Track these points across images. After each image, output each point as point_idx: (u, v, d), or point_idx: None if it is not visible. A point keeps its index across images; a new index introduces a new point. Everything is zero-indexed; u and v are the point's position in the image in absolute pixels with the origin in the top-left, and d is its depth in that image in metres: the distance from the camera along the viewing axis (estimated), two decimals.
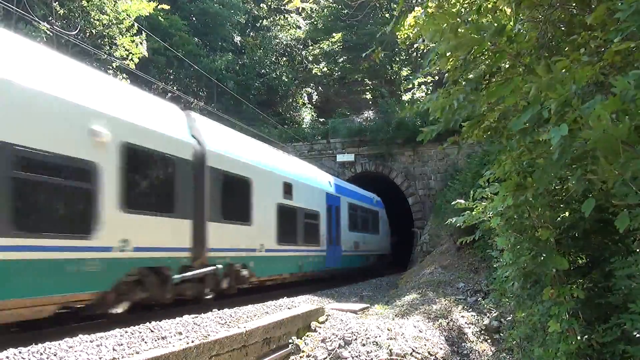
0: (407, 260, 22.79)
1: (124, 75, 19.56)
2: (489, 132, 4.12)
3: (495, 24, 3.24)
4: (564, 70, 2.76)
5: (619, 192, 2.60)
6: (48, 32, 16.75)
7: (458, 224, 5.41)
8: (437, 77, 28.95)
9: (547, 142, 2.96)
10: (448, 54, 3.70)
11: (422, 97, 26.68)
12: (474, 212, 5.06)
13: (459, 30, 3.28)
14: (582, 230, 4.37)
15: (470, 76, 3.99)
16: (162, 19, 22.96)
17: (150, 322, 9.62)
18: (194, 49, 25.25)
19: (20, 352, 6.74)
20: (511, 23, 3.69)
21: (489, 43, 3.32)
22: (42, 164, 7.00)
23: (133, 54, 19.16)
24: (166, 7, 22.45)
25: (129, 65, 18.48)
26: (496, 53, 3.45)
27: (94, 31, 18.31)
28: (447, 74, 4.20)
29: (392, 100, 28.83)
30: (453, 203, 5.80)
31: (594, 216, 4.15)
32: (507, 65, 3.71)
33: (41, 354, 6.81)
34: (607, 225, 4.28)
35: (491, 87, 3.46)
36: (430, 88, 28.73)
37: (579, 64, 2.87)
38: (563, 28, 4.07)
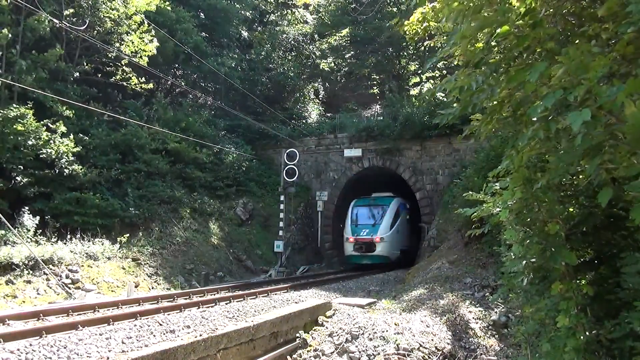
0: (415, 255, 22.79)
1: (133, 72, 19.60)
2: (508, 119, 4.05)
3: (523, 7, 3.19)
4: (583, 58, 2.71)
5: (635, 184, 2.55)
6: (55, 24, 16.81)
7: (467, 216, 5.37)
8: (445, 72, 28.76)
9: (566, 130, 2.90)
10: (469, 34, 3.64)
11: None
12: (484, 206, 5.01)
13: (483, 10, 3.23)
14: (592, 226, 4.33)
15: (491, 60, 3.93)
16: (170, 9, 22.83)
17: (158, 316, 9.72)
18: (200, 40, 25.18)
19: (30, 345, 6.81)
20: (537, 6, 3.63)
21: (512, 27, 3.28)
22: None
23: (143, 51, 19.16)
24: None
25: (139, 62, 18.49)
26: (519, 37, 3.39)
27: (101, 29, 18.29)
28: (463, 58, 4.14)
29: (399, 95, 28.67)
30: (464, 195, 5.75)
31: (604, 211, 4.11)
32: (526, 51, 3.64)
33: (51, 346, 6.88)
34: (617, 220, 4.24)
35: (511, 71, 3.41)
36: (439, 81, 28.54)
37: (591, 55, 2.83)
38: (573, 21, 4.01)
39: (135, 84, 19.78)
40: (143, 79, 20.08)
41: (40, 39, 17.01)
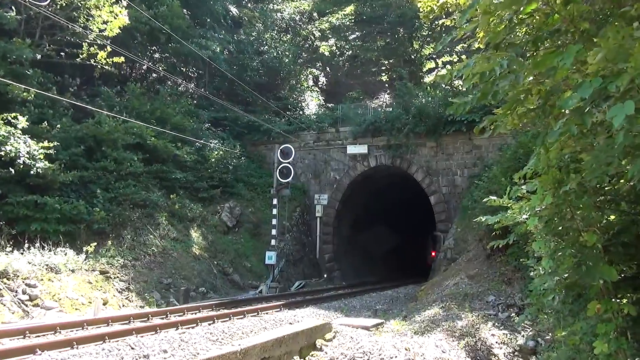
0: (428, 268, 22.86)
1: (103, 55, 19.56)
2: (532, 113, 4.03)
3: None
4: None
5: None
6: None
7: (489, 225, 5.36)
8: (464, 57, 28.74)
9: (603, 125, 2.87)
10: (494, 9, 3.62)
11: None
12: (509, 213, 4.99)
13: None
14: (634, 236, 4.32)
15: (516, 41, 3.90)
16: None
17: (130, 338, 9.70)
18: (184, 23, 25.20)
19: None
20: None
21: (541, 2, 3.26)
22: None
23: (112, 24, 19.10)
24: None
25: (108, 35, 18.44)
26: (548, 15, 3.37)
27: (63, 3, 18.26)
28: (483, 39, 4.12)
29: (411, 83, 28.68)
30: (485, 200, 5.73)
31: None
32: (557, 32, 3.62)
33: None
34: None
35: (539, 55, 3.38)
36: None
37: (632, 40, 2.81)
38: None
39: (103, 59, 19.59)
40: (113, 58, 19.94)
41: None
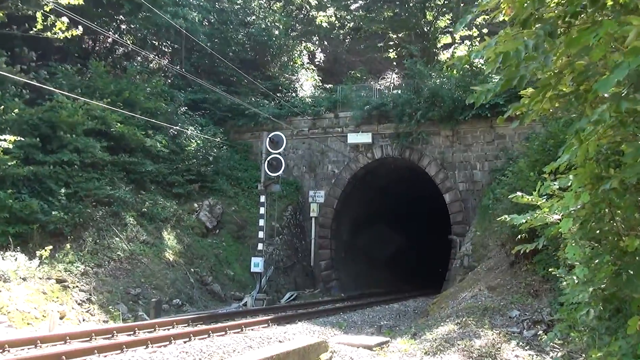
0: (442, 278, 22.83)
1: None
2: (564, 99, 4.03)
3: None
4: None
5: None
6: None
7: (514, 226, 5.37)
8: (486, 31, 28.78)
9: None
10: None
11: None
12: (538, 213, 4.99)
13: None
14: None
15: (548, 13, 3.90)
16: None
17: (92, 358, 9.71)
18: None
19: None
20: None
21: None
22: None
23: None
24: None
25: (69, 4, 18.30)
26: None
27: None
28: (510, 12, 4.13)
29: (424, 61, 28.67)
30: (511, 197, 5.73)
31: None
32: (593, 5, 3.62)
33: None
34: None
35: (572, 32, 3.37)
36: (477, 43, 28.63)
37: None
38: None
39: (61, 31, 19.41)
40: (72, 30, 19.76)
41: None
